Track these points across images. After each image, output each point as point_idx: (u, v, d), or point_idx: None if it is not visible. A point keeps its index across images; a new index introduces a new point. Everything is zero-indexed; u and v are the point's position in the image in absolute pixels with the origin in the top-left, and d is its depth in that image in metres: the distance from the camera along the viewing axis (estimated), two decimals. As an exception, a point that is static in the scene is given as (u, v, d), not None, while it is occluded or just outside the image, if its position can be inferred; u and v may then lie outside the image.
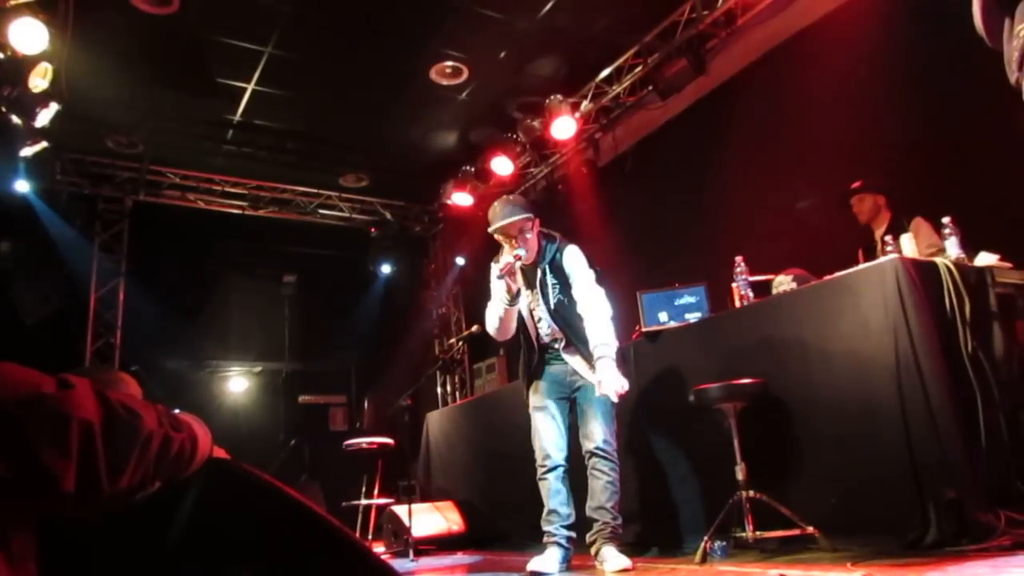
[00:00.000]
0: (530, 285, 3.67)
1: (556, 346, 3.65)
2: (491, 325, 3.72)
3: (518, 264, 3.53)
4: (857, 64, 4.74)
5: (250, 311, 9.09)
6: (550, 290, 3.59)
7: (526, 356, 3.73)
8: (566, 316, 3.55)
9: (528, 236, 3.56)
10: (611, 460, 3.43)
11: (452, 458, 6.19)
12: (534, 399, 3.68)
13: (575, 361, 3.55)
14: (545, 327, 3.65)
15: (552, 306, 3.58)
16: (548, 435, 3.59)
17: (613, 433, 3.48)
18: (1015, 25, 1.72)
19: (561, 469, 3.57)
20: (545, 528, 3.56)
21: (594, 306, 3.47)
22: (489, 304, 3.71)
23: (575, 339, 3.51)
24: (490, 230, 3.60)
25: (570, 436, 3.65)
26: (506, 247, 3.57)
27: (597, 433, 3.43)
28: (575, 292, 3.55)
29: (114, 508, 0.92)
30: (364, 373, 9.52)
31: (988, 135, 4.03)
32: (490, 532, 5.38)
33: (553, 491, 3.55)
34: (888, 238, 3.33)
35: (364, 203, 9.07)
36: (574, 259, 3.60)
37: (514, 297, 3.53)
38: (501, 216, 3.55)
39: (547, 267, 3.62)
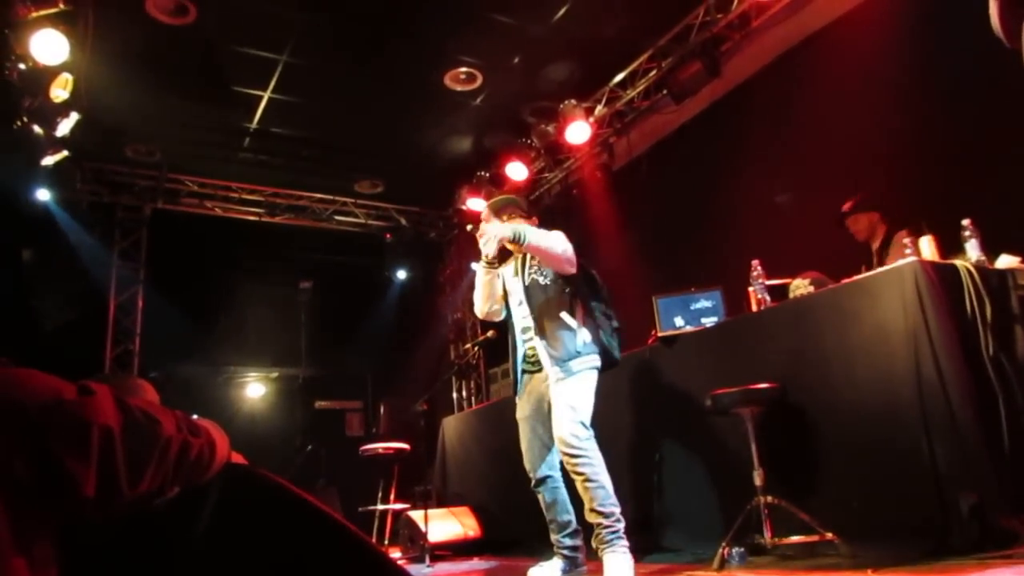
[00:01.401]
0: (517, 273, 3.70)
1: (528, 334, 3.57)
2: (476, 300, 3.78)
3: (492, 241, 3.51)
4: (872, 66, 4.71)
5: (267, 317, 9.15)
6: (527, 269, 3.62)
7: (512, 352, 3.71)
8: (534, 298, 3.53)
9: (514, 221, 3.63)
10: (581, 455, 3.21)
11: (468, 463, 6.18)
12: (518, 409, 3.68)
13: (540, 348, 3.46)
14: (522, 312, 3.61)
15: (525, 283, 3.59)
16: (530, 448, 3.58)
17: (579, 423, 3.27)
18: (1034, 24, 1.70)
19: (550, 481, 3.54)
20: (551, 536, 3.58)
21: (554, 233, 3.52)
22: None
23: (538, 322, 3.48)
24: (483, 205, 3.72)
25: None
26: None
27: (559, 430, 3.28)
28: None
29: (133, 513, 0.93)
30: (380, 378, 9.55)
31: (1009, 135, 3.99)
32: (506, 537, 5.37)
33: (547, 504, 3.55)
34: (907, 240, 3.29)
35: (379, 209, 9.11)
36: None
37: (489, 261, 3.57)
38: (498, 199, 3.81)
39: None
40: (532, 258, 3.63)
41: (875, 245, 4.43)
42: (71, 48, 5.03)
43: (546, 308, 3.50)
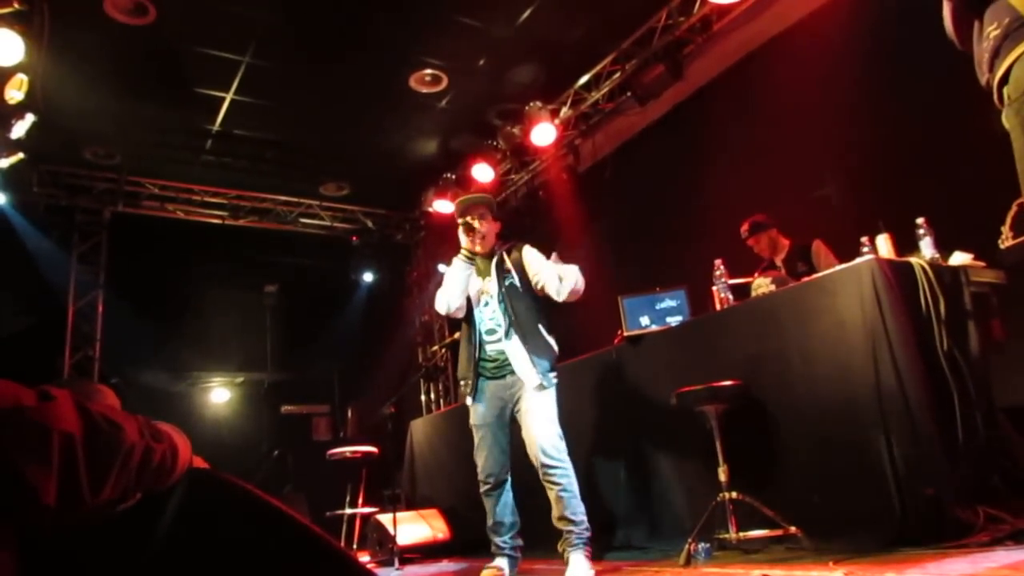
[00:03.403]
0: (481, 274, 3.74)
1: (495, 335, 3.61)
2: (442, 296, 3.72)
3: (472, 240, 3.67)
4: (830, 69, 4.80)
5: (231, 321, 9.03)
6: (504, 274, 3.66)
7: (471, 353, 3.71)
8: (514, 301, 3.59)
9: (485, 222, 3.71)
10: (560, 467, 3.38)
11: (436, 466, 6.17)
12: (473, 416, 3.70)
13: (514, 349, 3.52)
14: (490, 313, 3.66)
15: (504, 288, 3.62)
16: (489, 454, 3.62)
17: (557, 435, 3.44)
18: (984, 28, 1.75)
19: (503, 485, 3.63)
20: (492, 539, 3.63)
21: (568, 266, 3.57)
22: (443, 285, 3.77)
23: (517, 326, 3.53)
24: (456, 202, 3.83)
25: (513, 449, 3.65)
26: (462, 233, 3.70)
27: (540, 442, 3.38)
28: (541, 269, 3.62)
29: (94, 520, 0.92)
30: (347, 382, 9.48)
31: (961, 135, 4.10)
32: (475, 538, 5.35)
33: (498, 507, 3.61)
34: (864, 239, 3.37)
35: (345, 211, 9.05)
36: (533, 252, 3.74)
37: (469, 256, 3.64)
38: (468, 198, 3.82)
39: (504, 255, 3.73)
40: (508, 263, 3.69)
41: (780, 258, 4.74)
42: (27, 48, 4.91)
43: (526, 316, 3.57)
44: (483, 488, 3.64)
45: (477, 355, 3.67)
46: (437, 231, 9.01)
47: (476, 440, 3.69)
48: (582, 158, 7.58)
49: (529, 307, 3.60)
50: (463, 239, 3.68)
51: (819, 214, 4.94)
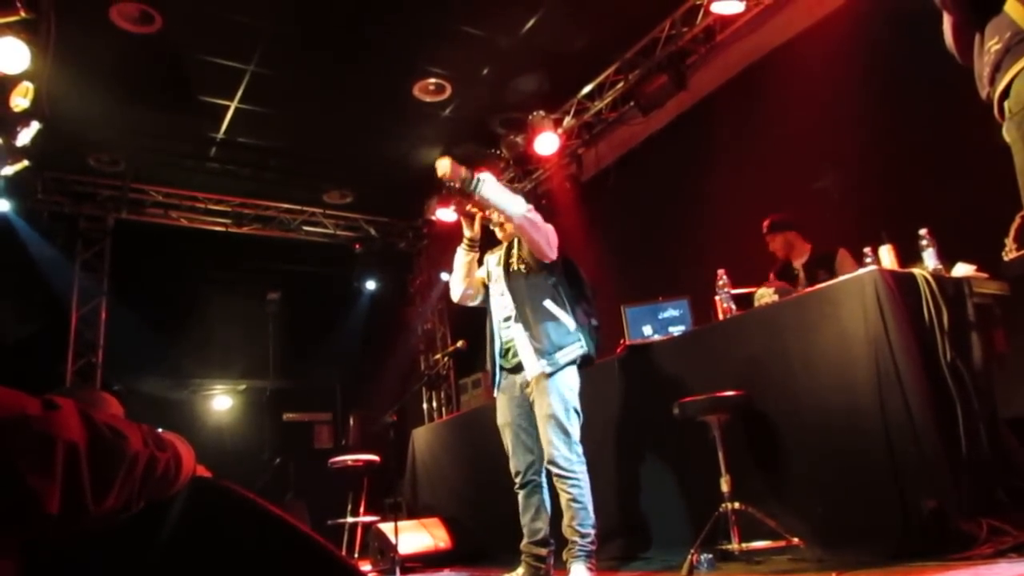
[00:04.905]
0: (500, 262, 3.71)
1: (508, 322, 3.55)
2: (452, 282, 3.77)
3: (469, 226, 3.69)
4: (833, 79, 4.82)
5: (234, 328, 9.03)
6: (514, 258, 3.60)
7: (489, 343, 3.67)
8: (518, 286, 3.52)
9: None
10: (569, 477, 3.27)
11: (438, 474, 6.16)
12: (498, 414, 3.64)
13: (518, 336, 3.45)
14: (502, 299, 3.61)
15: (509, 272, 3.58)
16: (513, 452, 3.56)
17: (569, 445, 3.30)
18: (985, 42, 1.76)
19: (532, 485, 3.51)
20: (521, 544, 3.56)
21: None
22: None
23: (520, 310, 3.45)
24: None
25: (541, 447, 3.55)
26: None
27: (549, 450, 3.30)
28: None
29: (97, 529, 0.92)
30: (349, 390, 9.48)
31: (964, 147, 4.11)
32: (477, 548, 5.36)
33: (521, 508, 3.54)
34: (867, 250, 3.37)
35: (348, 219, 9.07)
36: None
37: (470, 242, 3.64)
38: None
39: (517, 241, 3.66)
40: (518, 248, 3.62)
41: (799, 262, 4.58)
42: (32, 56, 4.93)
43: (529, 297, 3.46)
44: (515, 485, 3.56)
45: (494, 345, 3.62)
46: (440, 239, 9.02)
47: (503, 438, 3.62)
48: (585, 167, 7.59)
49: (534, 288, 3.47)
50: (464, 228, 3.71)
51: (821, 222, 4.93)
